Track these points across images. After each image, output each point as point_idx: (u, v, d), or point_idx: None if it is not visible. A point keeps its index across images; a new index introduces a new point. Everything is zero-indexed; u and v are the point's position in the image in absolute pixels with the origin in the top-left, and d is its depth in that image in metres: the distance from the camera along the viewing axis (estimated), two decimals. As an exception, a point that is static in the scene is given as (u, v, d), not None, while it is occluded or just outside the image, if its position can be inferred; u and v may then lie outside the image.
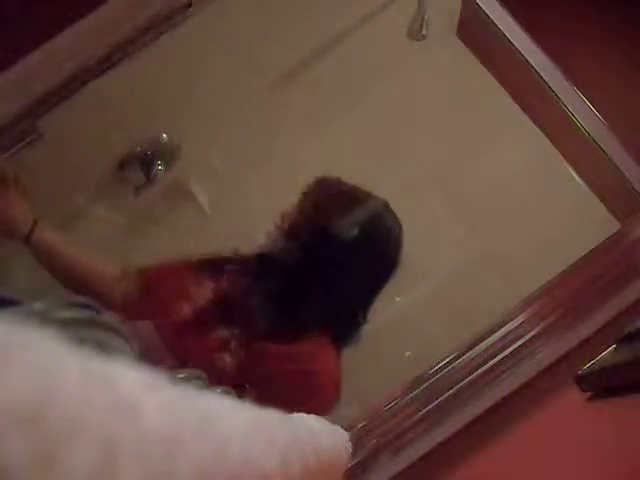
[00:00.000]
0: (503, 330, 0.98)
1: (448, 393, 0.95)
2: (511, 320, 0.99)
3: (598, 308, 0.92)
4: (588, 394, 0.74)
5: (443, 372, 0.99)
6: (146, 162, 1.39)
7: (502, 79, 1.17)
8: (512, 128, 1.28)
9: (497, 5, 1.04)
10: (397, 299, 1.35)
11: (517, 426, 0.85)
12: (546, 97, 1.03)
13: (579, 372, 0.76)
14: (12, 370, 0.13)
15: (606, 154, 0.98)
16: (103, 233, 1.41)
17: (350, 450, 0.64)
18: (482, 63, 1.20)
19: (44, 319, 0.23)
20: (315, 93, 1.42)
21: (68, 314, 0.25)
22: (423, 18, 1.28)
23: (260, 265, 1.13)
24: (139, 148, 1.39)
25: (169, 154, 1.41)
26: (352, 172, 1.41)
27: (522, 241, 1.34)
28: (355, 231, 1.11)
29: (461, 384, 0.95)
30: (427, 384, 0.98)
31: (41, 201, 1.35)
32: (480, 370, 0.95)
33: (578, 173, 1.14)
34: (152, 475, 0.17)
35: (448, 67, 1.37)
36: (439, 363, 1.00)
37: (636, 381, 0.63)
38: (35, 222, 1.06)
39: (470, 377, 0.95)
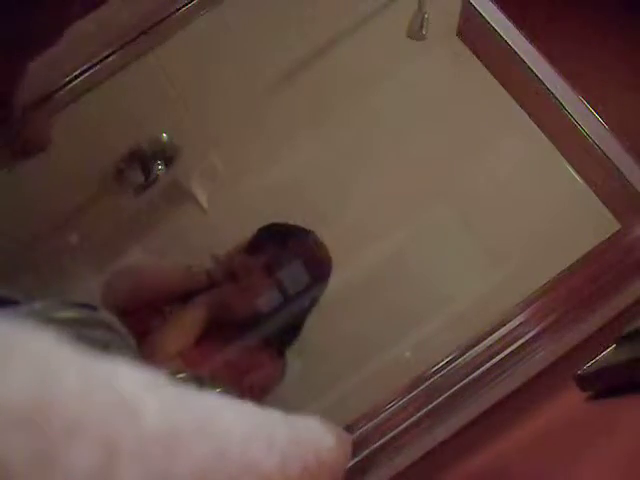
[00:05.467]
0: (503, 330, 0.98)
1: (448, 393, 0.95)
2: (511, 320, 0.99)
3: (598, 308, 0.92)
4: (588, 394, 0.74)
5: (443, 372, 0.99)
6: (146, 162, 1.39)
7: (502, 79, 1.17)
8: (512, 128, 1.28)
9: (495, 7, 1.04)
10: (396, 300, 1.35)
11: (517, 426, 0.84)
12: (546, 97, 1.03)
13: (579, 372, 0.76)
14: (12, 369, 0.13)
15: (606, 154, 0.98)
16: (103, 233, 1.41)
17: (350, 450, 0.64)
18: (482, 63, 1.20)
19: (44, 319, 0.23)
20: (315, 93, 1.42)
21: (68, 314, 0.25)
22: (423, 18, 1.27)
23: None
24: (139, 148, 1.39)
25: (169, 154, 1.41)
26: (352, 171, 1.41)
27: (522, 241, 1.34)
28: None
29: (461, 384, 0.95)
30: (427, 384, 0.98)
31: (42, 202, 1.35)
32: (480, 370, 0.95)
33: (578, 173, 1.14)
34: (152, 474, 0.17)
35: (448, 67, 1.37)
36: (439, 363, 1.00)
37: (636, 381, 0.63)
38: None
39: (470, 377, 0.95)
